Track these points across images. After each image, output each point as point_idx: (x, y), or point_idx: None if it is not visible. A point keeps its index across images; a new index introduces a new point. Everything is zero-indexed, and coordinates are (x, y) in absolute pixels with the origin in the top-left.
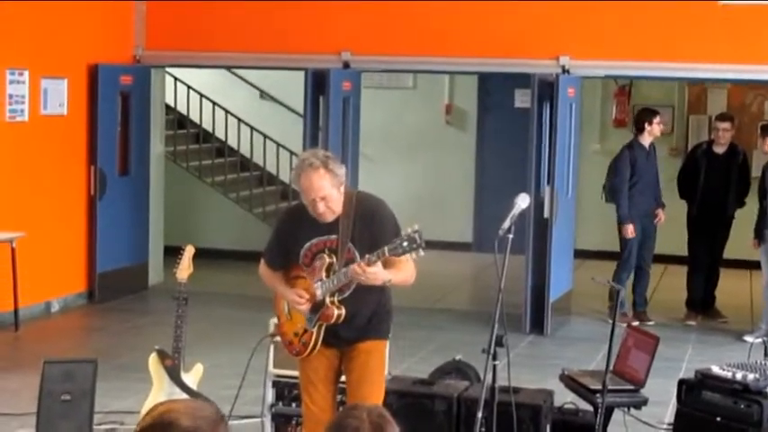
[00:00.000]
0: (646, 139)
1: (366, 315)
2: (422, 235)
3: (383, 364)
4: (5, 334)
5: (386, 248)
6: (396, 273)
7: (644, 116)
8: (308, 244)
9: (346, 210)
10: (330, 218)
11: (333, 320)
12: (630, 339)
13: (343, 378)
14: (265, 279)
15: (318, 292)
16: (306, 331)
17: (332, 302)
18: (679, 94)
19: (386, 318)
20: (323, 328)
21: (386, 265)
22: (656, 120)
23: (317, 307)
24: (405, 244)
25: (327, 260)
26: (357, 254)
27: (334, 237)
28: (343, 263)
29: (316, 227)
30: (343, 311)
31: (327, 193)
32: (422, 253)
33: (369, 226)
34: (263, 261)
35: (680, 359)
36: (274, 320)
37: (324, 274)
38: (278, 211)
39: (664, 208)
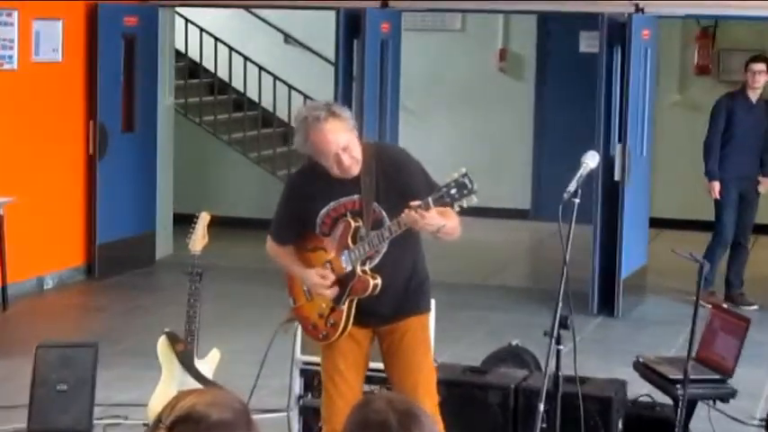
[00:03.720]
0: (751, 91)
1: (400, 285)
2: (472, 178)
3: (429, 345)
4: None
5: (430, 199)
6: (446, 221)
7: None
8: (325, 209)
9: (366, 165)
10: (357, 169)
11: (369, 292)
12: (717, 321)
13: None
14: (276, 258)
15: (346, 263)
16: (333, 310)
17: (364, 272)
18: None
19: (424, 286)
20: (354, 303)
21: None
22: (753, 66)
23: (346, 280)
24: (453, 191)
25: (353, 224)
26: (384, 214)
27: (356, 197)
28: (370, 225)
29: (333, 188)
30: (380, 281)
31: (347, 140)
32: (475, 199)
33: (394, 180)
34: (269, 238)
35: None
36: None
37: (350, 241)
38: None
39: None
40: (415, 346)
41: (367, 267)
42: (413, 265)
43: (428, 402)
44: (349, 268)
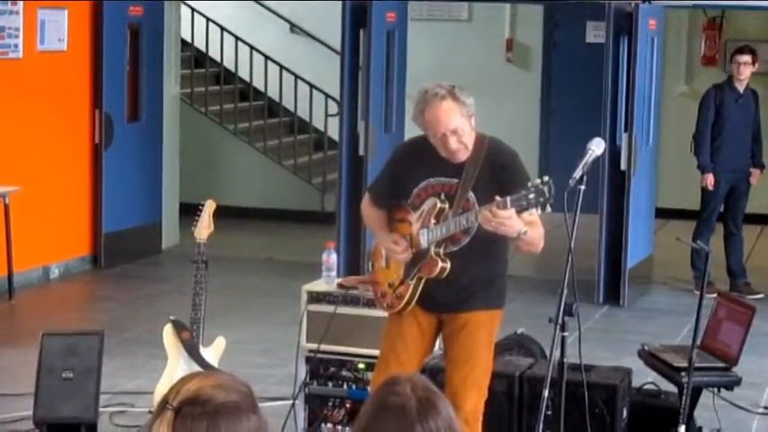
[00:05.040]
0: (738, 82)
1: (473, 277)
2: (552, 188)
3: (491, 341)
4: None
5: (508, 199)
6: (530, 229)
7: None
8: (424, 183)
9: (474, 154)
10: (464, 156)
11: (435, 274)
12: (722, 310)
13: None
14: (366, 217)
15: (423, 240)
16: (402, 283)
17: (436, 254)
18: None
19: (497, 283)
20: (422, 282)
21: None
22: (738, 58)
23: (420, 257)
24: (531, 196)
25: (439, 205)
26: (477, 205)
27: (455, 181)
28: (458, 212)
29: (438, 165)
30: (448, 265)
31: (458, 125)
32: (549, 209)
33: (498, 177)
34: (367, 195)
35: None
36: (306, 287)
37: (432, 221)
38: (311, 164)
39: (763, 169)
40: (474, 339)
41: (441, 250)
42: (491, 263)
43: (474, 396)
44: (425, 246)
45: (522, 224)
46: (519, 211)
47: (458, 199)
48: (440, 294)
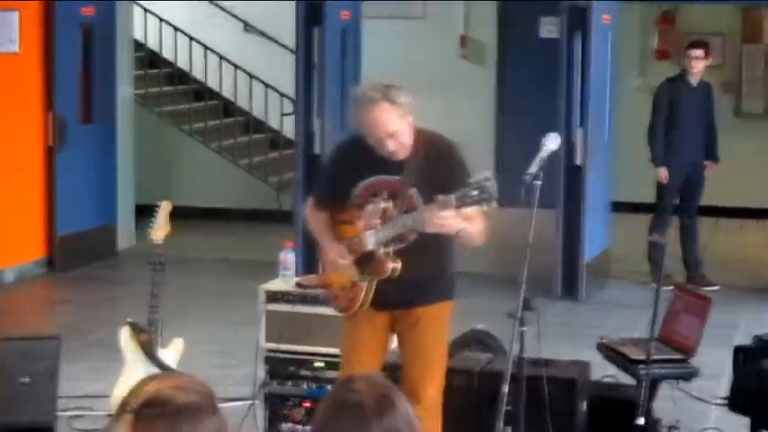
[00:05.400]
0: (691, 75)
1: (424, 272)
2: (495, 185)
3: (444, 333)
4: None
5: (452, 196)
6: (469, 224)
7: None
8: (366, 182)
9: (414, 150)
10: (403, 154)
11: (386, 275)
12: (678, 302)
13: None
14: (310, 222)
15: (370, 242)
16: (354, 285)
17: (386, 254)
18: (731, 21)
19: (448, 276)
20: (374, 283)
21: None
22: (691, 52)
23: (369, 258)
24: (474, 193)
25: (383, 204)
26: (420, 201)
27: (397, 178)
28: (403, 210)
29: (377, 164)
30: (399, 265)
31: (395, 127)
32: (494, 205)
33: (437, 171)
34: (310, 200)
35: (734, 325)
36: (264, 287)
37: (378, 221)
38: (267, 163)
39: (717, 162)
40: (428, 333)
41: (390, 250)
42: (439, 257)
43: (432, 389)
44: (372, 247)
45: (461, 222)
46: (459, 206)
47: (401, 197)
48: (391, 292)
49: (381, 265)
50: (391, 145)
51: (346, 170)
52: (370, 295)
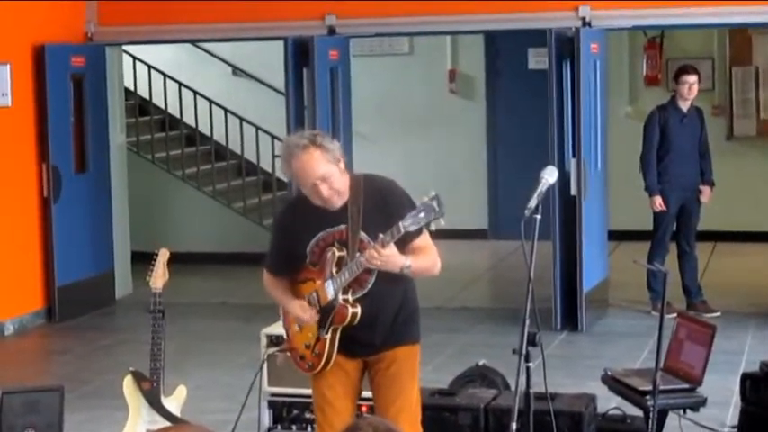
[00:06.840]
0: (682, 102)
1: (390, 315)
2: (441, 201)
3: (416, 375)
4: None
5: (401, 224)
6: (415, 259)
7: (676, 74)
8: (314, 240)
9: (353, 195)
10: (338, 202)
11: (347, 321)
12: (682, 330)
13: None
14: (269, 292)
15: (330, 291)
16: (318, 340)
17: (345, 300)
18: (719, 44)
19: (413, 316)
20: (338, 332)
21: (405, 253)
22: (687, 78)
23: (330, 309)
24: (422, 215)
25: (338, 253)
26: (371, 243)
27: (343, 227)
28: (356, 255)
29: (321, 219)
30: (359, 310)
31: (325, 171)
32: (443, 222)
33: (381, 210)
34: (265, 271)
35: (739, 351)
36: (266, 331)
37: (334, 270)
38: (261, 205)
39: (713, 187)
40: (402, 376)
41: (350, 296)
42: (402, 296)
43: (409, 430)
44: (332, 296)
45: (405, 258)
46: (416, 234)
47: (351, 243)
48: (362, 339)
49: (341, 311)
50: (325, 191)
51: (292, 235)
52: (335, 347)
